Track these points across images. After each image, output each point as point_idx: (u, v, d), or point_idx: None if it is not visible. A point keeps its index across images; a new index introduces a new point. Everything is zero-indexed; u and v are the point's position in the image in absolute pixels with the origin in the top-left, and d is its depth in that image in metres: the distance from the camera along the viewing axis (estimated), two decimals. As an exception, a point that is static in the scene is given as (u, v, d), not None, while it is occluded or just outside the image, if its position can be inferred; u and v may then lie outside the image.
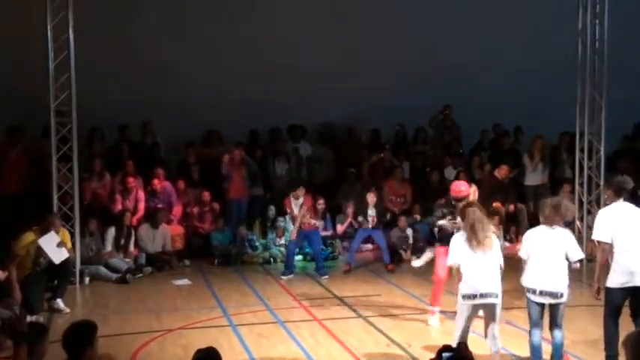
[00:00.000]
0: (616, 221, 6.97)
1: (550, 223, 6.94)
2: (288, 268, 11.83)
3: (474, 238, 6.83)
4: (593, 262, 10.90)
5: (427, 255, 10.30)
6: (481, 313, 7.13)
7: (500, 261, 6.96)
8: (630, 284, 6.89)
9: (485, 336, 7.09)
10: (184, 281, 11.50)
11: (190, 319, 9.30)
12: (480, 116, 15.24)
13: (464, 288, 6.88)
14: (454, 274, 7.35)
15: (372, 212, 12.24)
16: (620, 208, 7.06)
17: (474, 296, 6.82)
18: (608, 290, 6.99)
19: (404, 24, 15.43)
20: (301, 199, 11.81)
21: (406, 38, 15.38)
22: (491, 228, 6.97)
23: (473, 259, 6.85)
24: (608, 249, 6.95)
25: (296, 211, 11.82)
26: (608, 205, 7.24)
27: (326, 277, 11.57)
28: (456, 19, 15.59)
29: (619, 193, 7.12)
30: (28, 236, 9.52)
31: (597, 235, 7.03)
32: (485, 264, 6.84)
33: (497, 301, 6.89)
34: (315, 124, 15.09)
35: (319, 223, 12.14)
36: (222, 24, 14.67)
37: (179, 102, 14.19)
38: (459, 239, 7.01)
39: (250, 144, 14.63)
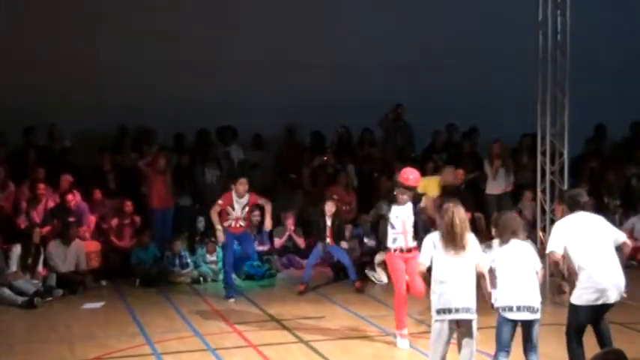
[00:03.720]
0: (572, 232, 7.07)
1: (507, 239, 6.96)
2: (231, 285, 11.51)
3: (451, 241, 6.74)
4: (554, 276, 11.06)
5: (378, 258, 10.02)
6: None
7: (480, 267, 6.84)
8: (601, 301, 7.00)
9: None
10: (99, 304, 11.38)
11: (108, 347, 9.14)
12: (431, 116, 15.48)
13: (437, 301, 6.77)
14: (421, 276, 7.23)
15: (329, 222, 12.11)
16: (578, 218, 7.16)
17: (449, 310, 6.74)
18: (575, 308, 7.08)
19: (347, 17, 15.61)
20: (246, 198, 11.23)
21: (349, 32, 15.53)
22: (470, 234, 6.91)
23: (448, 266, 6.77)
24: (558, 259, 7.05)
25: (237, 211, 11.21)
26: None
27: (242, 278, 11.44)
28: (404, 11, 15.78)
29: (573, 208, 7.21)
30: None
31: (549, 246, 7.11)
32: (462, 272, 6.76)
33: (474, 317, 6.81)
34: (248, 126, 15.16)
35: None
36: (140, 17, 14.71)
37: (93, 103, 14.18)
38: (433, 238, 6.90)
39: (176, 148, 14.59)
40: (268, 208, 11.46)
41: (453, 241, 6.74)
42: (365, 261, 13.19)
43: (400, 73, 15.46)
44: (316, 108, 15.18)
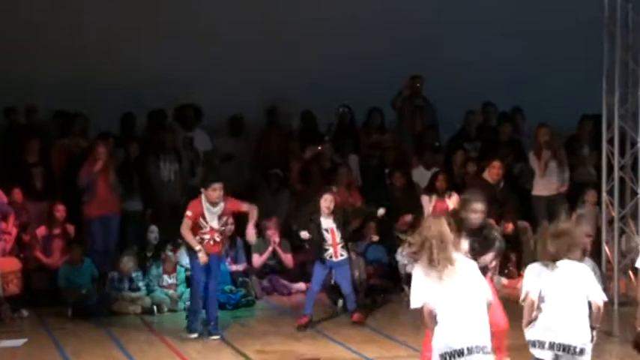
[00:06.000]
0: None
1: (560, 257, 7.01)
2: (193, 307, 11.34)
3: (432, 262, 6.78)
4: (628, 306, 10.88)
5: None
6: None
7: (488, 294, 7.00)
8: None
9: None
10: (19, 341, 11.20)
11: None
12: (463, 94, 15.56)
13: (438, 343, 6.82)
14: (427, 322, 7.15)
15: (327, 224, 11.73)
16: None
17: (453, 355, 6.72)
18: None
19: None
20: (221, 207, 11.10)
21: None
22: (454, 246, 7.00)
23: (445, 297, 6.80)
24: None
25: (212, 223, 11.04)
26: None
27: (216, 337, 11.27)
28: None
29: None
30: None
31: None
32: (465, 301, 6.79)
33: (489, 358, 6.85)
34: (220, 107, 15.14)
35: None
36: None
37: (18, 78, 14.32)
38: (421, 270, 6.95)
39: (122, 135, 14.56)
40: (253, 214, 11.34)
41: (432, 261, 6.79)
42: (374, 284, 13.19)
43: (421, 41, 15.59)
44: (309, 83, 15.31)
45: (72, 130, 14.34)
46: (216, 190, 11.02)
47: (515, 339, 8.49)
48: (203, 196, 11.10)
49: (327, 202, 11.71)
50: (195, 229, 11.13)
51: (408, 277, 12.69)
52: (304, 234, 11.67)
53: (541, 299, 6.99)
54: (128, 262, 12.81)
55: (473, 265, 7.00)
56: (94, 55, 14.62)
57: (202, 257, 11.02)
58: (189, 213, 11.07)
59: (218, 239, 11.23)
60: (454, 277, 6.78)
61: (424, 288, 6.85)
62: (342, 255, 11.78)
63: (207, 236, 11.14)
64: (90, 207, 13.47)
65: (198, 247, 11.03)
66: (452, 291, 6.78)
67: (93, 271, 12.92)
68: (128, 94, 14.61)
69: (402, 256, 13.41)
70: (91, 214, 13.50)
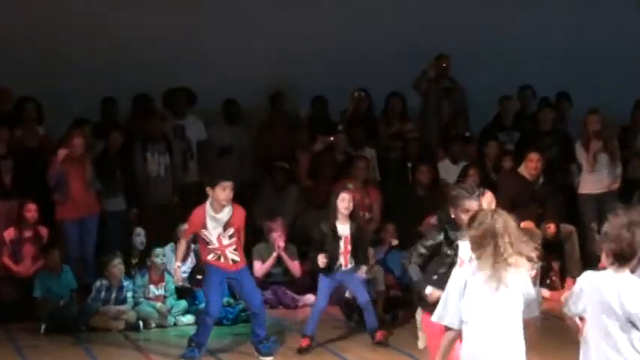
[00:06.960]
0: None
1: (623, 265, 6.60)
2: (199, 340, 11.13)
3: (497, 258, 6.59)
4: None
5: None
6: None
7: (535, 309, 6.93)
8: None
9: None
10: None
11: None
12: (498, 77, 15.57)
13: None
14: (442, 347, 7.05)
15: (343, 230, 11.51)
16: None
17: None
18: None
19: None
20: (228, 213, 10.85)
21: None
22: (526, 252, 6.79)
23: (487, 312, 6.66)
24: None
25: (213, 233, 10.81)
26: None
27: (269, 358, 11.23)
28: None
29: None
30: None
31: None
32: (506, 318, 6.68)
33: None
34: (217, 91, 15.09)
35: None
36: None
37: None
38: (463, 275, 6.82)
39: (104, 123, 14.50)
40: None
41: (496, 266, 6.62)
42: (394, 296, 13.06)
43: (448, 15, 15.74)
44: (319, 63, 15.35)
45: (25, 117, 14.16)
46: (225, 190, 10.78)
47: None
48: (208, 201, 10.87)
49: (345, 202, 11.43)
50: (202, 246, 10.99)
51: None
52: (322, 261, 11.20)
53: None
54: (118, 266, 12.65)
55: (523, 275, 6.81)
56: (70, 29, 14.62)
57: (175, 277, 11.40)
58: (185, 226, 11.16)
59: (237, 258, 10.94)
60: (510, 286, 6.60)
61: (457, 303, 6.72)
62: (350, 263, 11.65)
63: (218, 256, 10.90)
64: (63, 208, 13.38)
65: (176, 264, 11.19)
66: (501, 303, 6.63)
67: (72, 282, 12.84)
68: (109, 75, 14.62)
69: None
70: (64, 216, 13.41)
